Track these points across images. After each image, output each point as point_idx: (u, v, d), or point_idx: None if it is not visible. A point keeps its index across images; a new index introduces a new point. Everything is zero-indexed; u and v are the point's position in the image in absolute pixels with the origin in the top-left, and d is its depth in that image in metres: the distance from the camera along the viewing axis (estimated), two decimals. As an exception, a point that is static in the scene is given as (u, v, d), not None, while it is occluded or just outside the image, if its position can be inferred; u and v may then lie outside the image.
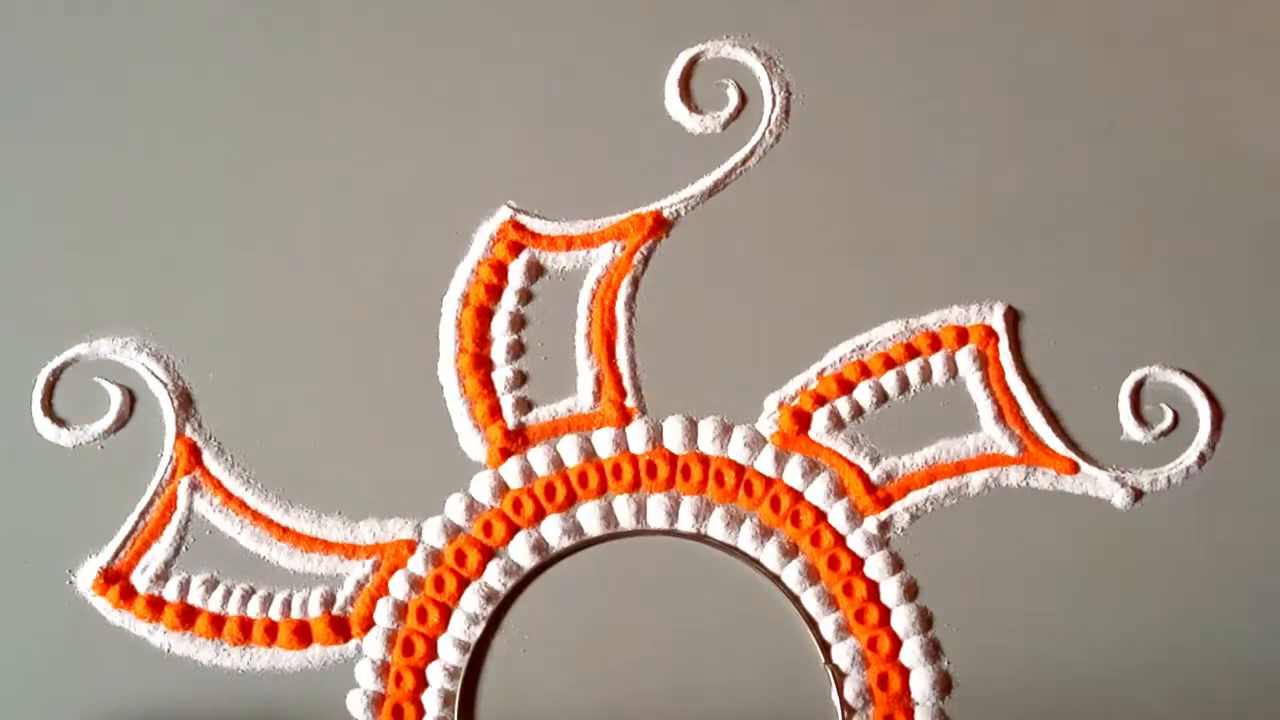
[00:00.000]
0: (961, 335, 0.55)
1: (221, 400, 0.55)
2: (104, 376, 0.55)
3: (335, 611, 0.53)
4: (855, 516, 0.54)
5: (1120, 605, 0.53)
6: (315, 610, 0.53)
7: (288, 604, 0.53)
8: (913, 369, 0.55)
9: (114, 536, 0.53)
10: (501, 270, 0.56)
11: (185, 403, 0.55)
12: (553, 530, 0.54)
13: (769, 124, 0.57)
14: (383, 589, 0.53)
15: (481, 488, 0.54)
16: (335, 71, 0.58)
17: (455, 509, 0.54)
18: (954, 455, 0.54)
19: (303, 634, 0.53)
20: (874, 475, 0.54)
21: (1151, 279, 0.56)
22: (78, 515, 0.54)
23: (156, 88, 0.58)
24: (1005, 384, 0.55)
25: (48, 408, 0.55)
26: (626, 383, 0.55)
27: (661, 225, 0.56)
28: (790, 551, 0.54)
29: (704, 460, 0.54)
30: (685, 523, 0.54)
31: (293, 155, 0.57)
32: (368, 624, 0.53)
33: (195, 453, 0.54)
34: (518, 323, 0.56)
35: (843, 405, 0.55)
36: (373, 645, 0.53)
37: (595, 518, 0.54)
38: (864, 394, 0.55)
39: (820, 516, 0.54)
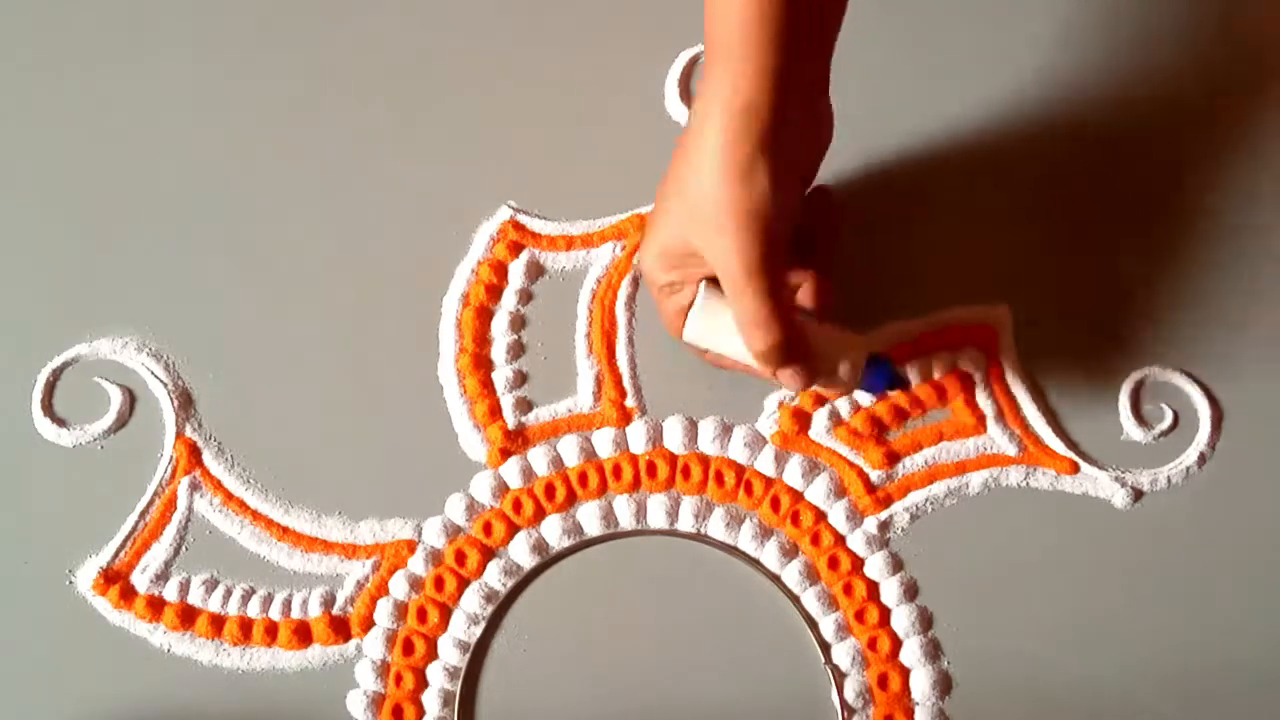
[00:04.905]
0: (962, 335, 0.55)
1: (221, 400, 0.55)
2: (104, 376, 0.55)
3: (335, 611, 0.53)
4: (855, 516, 0.54)
5: (1120, 605, 0.53)
6: (315, 610, 0.53)
7: (288, 604, 0.53)
8: (912, 369, 0.55)
9: (114, 536, 0.53)
10: (501, 270, 0.56)
11: (185, 403, 0.55)
12: (553, 530, 0.54)
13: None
14: (383, 589, 0.53)
15: (481, 488, 0.54)
16: (336, 72, 0.58)
17: (455, 509, 0.54)
18: (954, 455, 0.54)
19: (303, 634, 0.53)
20: (874, 475, 0.54)
21: (1151, 279, 0.56)
22: (78, 515, 0.54)
23: (157, 86, 0.58)
24: (1005, 384, 0.55)
25: (48, 408, 0.55)
26: (626, 383, 0.55)
27: (661, 225, 0.56)
28: (790, 551, 0.54)
29: (704, 460, 0.54)
30: (685, 523, 0.54)
31: (293, 155, 0.57)
32: (368, 624, 0.53)
33: (195, 453, 0.54)
34: (518, 323, 0.56)
35: (843, 405, 0.54)
36: (373, 645, 0.53)
37: (595, 518, 0.54)
38: (864, 393, 0.54)
39: (820, 516, 0.54)
